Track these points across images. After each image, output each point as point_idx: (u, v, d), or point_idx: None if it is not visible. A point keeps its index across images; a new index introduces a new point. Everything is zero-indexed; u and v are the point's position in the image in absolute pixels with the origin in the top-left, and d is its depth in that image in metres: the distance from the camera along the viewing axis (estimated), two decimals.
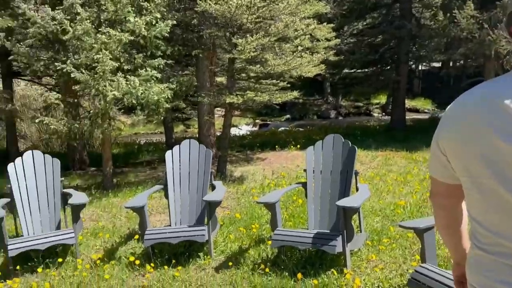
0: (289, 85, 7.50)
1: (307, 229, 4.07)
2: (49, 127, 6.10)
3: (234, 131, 16.92)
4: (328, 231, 3.86)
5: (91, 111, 6.24)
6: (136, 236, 4.56)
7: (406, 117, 14.12)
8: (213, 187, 4.59)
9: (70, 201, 4.24)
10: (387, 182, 6.53)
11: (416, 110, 20.41)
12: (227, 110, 7.63)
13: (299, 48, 7.23)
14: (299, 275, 3.47)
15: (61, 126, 6.14)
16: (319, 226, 4.03)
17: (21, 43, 6.39)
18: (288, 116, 7.97)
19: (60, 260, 4.05)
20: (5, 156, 11.76)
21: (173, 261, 3.90)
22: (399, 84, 13.15)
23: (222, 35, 7.26)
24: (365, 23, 14.96)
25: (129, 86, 6.03)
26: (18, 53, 6.25)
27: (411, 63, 15.94)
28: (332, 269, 3.57)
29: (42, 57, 6.61)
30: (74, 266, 4.01)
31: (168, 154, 4.74)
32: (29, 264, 4.05)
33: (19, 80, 12.53)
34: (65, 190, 4.72)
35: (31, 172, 4.61)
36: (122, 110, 12.74)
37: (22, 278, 3.86)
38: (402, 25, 12.41)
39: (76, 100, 6.84)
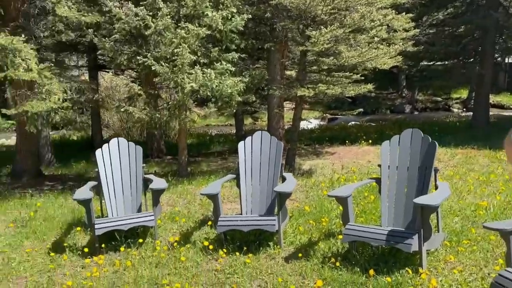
0: (362, 78, 7.31)
1: (380, 226, 3.96)
2: (132, 116, 6.52)
3: (302, 124, 16.80)
4: (403, 229, 3.73)
5: (170, 102, 6.57)
6: (210, 222, 4.74)
7: (490, 114, 13.12)
8: (283, 179, 4.63)
9: (151, 186, 4.51)
10: (467, 182, 6.14)
11: (501, 106, 18.91)
12: (298, 103, 7.62)
13: (375, 39, 7.00)
14: (371, 272, 3.40)
15: (144, 116, 6.53)
16: (393, 223, 3.91)
17: (107, 38, 6.87)
18: (361, 109, 7.79)
19: (140, 240, 4.34)
20: (90, 144, 12.78)
21: (244, 248, 4.00)
22: (483, 78, 12.23)
23: (295, 27, 7.25)
24: (446, 13, 14.06)
25: (205, 78, 6.25)
26: (104, 48, 6.73)
27: (497, 55, 14.74)
28: (407, 268, 3.45)
29: (125, 51, 7.06)
30: (153, 247, 4.28)
31: (240, 145, 4.85)
32: (113, 243, 4.38)
33: (103, 72, 13.51)
34: (146, 176, 5.03)
35: (116, 158, 4.96)
36: (195, 103, 13.26)
37: (107, 256, 4.19)
38: (488, 15, 11.50)
39: (156, 92, 7.23)
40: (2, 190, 7.50)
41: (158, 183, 4.63)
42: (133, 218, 4.35)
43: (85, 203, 4.20)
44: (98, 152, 4.91)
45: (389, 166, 4.07)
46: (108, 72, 12.92)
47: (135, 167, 4.98)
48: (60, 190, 7.45)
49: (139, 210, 4.85)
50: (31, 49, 6.57)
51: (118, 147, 5.02)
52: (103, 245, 4.25)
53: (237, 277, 3.56)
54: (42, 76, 6.56)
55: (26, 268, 4.05)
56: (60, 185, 8.08)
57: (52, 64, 6.81)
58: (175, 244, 4.28)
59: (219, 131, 18.85)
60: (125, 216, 4.46)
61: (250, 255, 3.91)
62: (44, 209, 6.03)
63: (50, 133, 11.13)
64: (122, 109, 6.51)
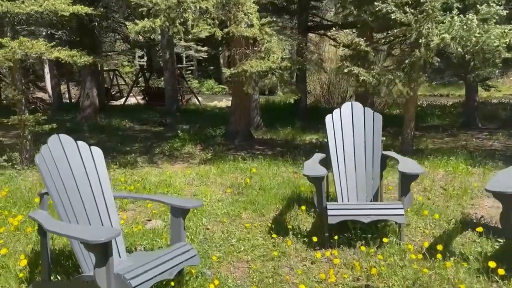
0: None
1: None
2: (356, 78, 5.43)
3: None
4: None
5: (407, 61, 5.19)
6: (480, 229, 3.34)
7: None
8: None
9: (401, 168, 3.33)
10: None
11: None
12: None
13: None
14: None
15: (370, 77, 5.36)
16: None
17: None
18: None
19: (385, 240, 3.26)
20: (294, 109, 12.47)
21: None
22: None
23: None
24: None
25: (463, 27, 4.63)
26: None
27: None
28: None
29: None
30: (400, 252, 3.15)
31: None
32: (345, 235, 3.44)
33: (313, 35, 12.86)
34: (385, 152, 3.90)
35: (349, 126, 3.95)
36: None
37: (340, 251, 3.26)
38: None
39: (386, 48, 5.95)
40: (217, 151, 7.53)
41: (409, 165, 3.43)
42: (377, 209, 3.29)
43: (317, 181, 3.33)
44: (328, 118, 3.97)
45: None
46: (317, 33, 12.21)
47: (372, 140, 3.89)
48: (271, 156, 7.05)
49: (375, 197, 3.77)
50: (253, 2, 6.08)
51: (352, 113, 3.99)
52: (335, 237, 3.34)
53: None
54: (263, 33, 6.03)
55: (247, 248, 3.46)
56: (269, 150, 7.75)
57: (273, 20, 6.21)
58: (438, 254, 3.03)
59: (426, 101, 16.47)
60: (365, 205, 3.42)
61: None
62: (259, 176, 5.60)
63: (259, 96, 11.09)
64: (345, 70, 5.45)
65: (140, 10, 5.84)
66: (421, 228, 3.59)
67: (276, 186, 5.04)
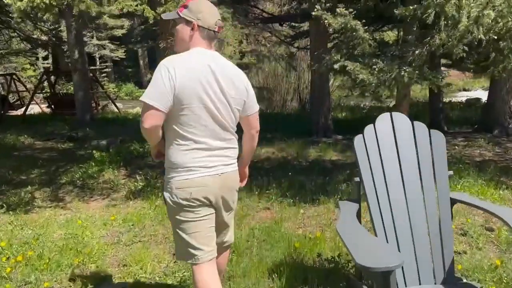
0: None
1: None
2: (352, 77, 3.89)
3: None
4: None
5: (417, 51, 3.74)
6: None
7: None
8: None
9: None
10: None
11: None
12: None
13: None
14: None
15: (370, 76, 3.84)
16: None
17: None
18: None
19: None
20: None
21: None
22: None
23: None
24: None
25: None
26: None
27: None
28: None
29: None
30: None
31: None
32: None
33: None
34: (453, 196, 2.37)
35: (393, 155, 2.36)
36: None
37: None
38: None
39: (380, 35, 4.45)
40: (150, 177, 5.60)
41: None
42: None
43: (384, 277, 1.68)
44: (357, 142, 2.35)
45: None
46: (257, 27, 10.65)
47: (433, 175, 2.34)
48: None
49: (449, 276, 2.21)
50: None
51: (394, 132, 2.41)
52: None
53: None
54: None
55: None
56: None
57: None
58: None
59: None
60: None
61: None
62: None
63: None
64: (335, 66, 3.90)
65: None
66: None
67: (255, 243, 3.32)
